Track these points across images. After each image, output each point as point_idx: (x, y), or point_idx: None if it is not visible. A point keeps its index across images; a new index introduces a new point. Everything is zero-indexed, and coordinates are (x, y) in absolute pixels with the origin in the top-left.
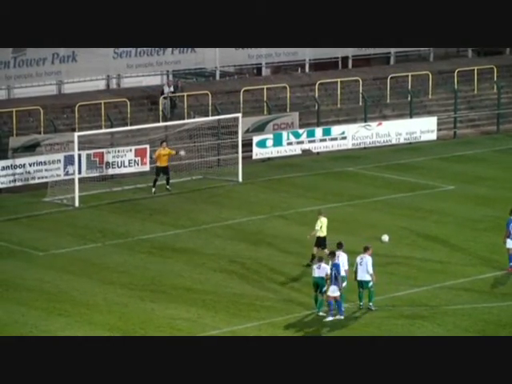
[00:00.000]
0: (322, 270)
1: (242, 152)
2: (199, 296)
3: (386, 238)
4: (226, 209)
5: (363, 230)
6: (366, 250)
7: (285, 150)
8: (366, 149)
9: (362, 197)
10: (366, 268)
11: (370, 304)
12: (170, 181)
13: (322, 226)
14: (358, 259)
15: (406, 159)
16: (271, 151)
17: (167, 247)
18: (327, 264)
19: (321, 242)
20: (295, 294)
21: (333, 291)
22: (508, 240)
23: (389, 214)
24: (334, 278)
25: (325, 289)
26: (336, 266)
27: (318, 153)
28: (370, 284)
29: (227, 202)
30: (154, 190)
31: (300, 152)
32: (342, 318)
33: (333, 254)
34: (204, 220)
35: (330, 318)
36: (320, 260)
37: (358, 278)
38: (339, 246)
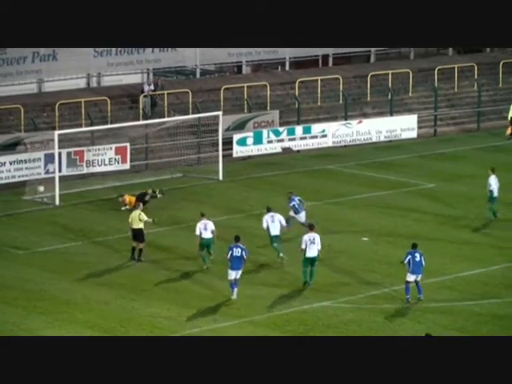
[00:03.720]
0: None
1: (223, 150)
2: (179, 294)
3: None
4: (206, 207)
5: (343, 227)
6: (312, 228)
7: (265, 148)
8: (346, 147)
9: (342, 195)
10: (317, 245)
11: (311, 282)
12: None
13: (131, 220)
14: (307, 237)
15: (386, 157)
16: (251, 149)
17: (147, 245)
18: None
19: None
20: (276, 291)
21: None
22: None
23: (369, 212)
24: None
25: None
26: (245, 250)
27: (298, 151)
28: (317, 262)
29: (207, 200)
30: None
31: (280, 150)
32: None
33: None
34: (184, 218)
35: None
36: (269, 210)
37: (311, 255)
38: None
